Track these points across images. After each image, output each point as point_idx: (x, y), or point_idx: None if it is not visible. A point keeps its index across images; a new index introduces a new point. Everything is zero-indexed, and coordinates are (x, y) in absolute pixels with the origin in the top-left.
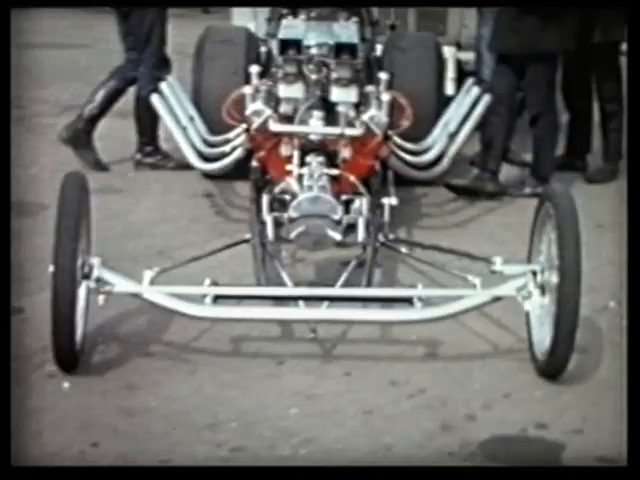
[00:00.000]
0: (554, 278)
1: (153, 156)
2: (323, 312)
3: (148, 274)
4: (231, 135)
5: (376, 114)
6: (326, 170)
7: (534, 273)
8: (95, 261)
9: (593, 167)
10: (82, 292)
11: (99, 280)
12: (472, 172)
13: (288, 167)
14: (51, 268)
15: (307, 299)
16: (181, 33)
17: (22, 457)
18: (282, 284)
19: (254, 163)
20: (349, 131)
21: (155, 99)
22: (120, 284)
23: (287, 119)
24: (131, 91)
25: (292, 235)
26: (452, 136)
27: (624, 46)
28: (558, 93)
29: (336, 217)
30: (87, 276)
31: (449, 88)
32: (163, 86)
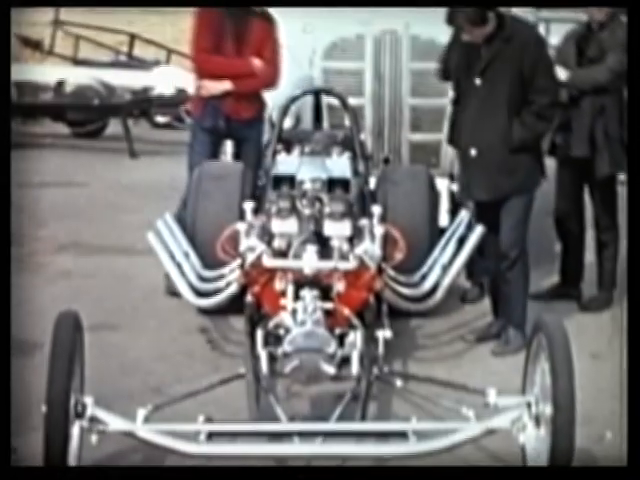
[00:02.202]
0: (548, 409)
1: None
2: (318, 447)
3: (142, 412)
4: (226, 270)
5: (369, 247)
6: (320, 304)
7: (528, 405)
8: (88, 400)
9: (587, 296)
10: (75, 431)
11: (92, 419)
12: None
13: (282, 301)
14: (44, 408)
15: (302, 434)
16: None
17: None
18: (276, 419)
19: (249, 298)
20: (342, 265)
21: (151, 237)
22: (113, 423)
23: (281, 254)
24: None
25: (286, 370)
26: (445, 268)
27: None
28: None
29: (330, 351)
30: (80, 415)
31: (443, 220)
32: (159, 224)
